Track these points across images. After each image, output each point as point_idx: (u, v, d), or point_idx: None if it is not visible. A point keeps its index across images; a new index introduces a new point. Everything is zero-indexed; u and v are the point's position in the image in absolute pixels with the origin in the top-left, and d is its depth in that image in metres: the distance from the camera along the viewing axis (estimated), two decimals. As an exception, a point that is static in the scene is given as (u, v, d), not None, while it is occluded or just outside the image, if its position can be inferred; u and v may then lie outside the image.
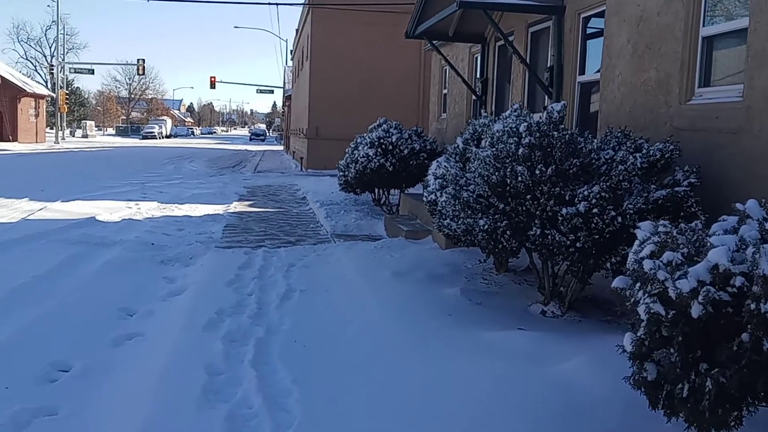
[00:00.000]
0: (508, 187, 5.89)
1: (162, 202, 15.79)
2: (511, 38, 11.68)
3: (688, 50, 6.64)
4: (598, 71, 8.73)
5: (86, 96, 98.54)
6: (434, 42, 13.20)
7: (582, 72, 9.33)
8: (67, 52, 74.46)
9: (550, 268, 6.43)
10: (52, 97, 59.54)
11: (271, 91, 74.61)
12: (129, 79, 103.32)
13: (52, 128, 61.03)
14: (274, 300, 7.15)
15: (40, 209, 13.75)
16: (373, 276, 8.06)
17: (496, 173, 5.96)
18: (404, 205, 12.71)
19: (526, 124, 6.00)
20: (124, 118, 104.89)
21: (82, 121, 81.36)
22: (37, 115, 56.51)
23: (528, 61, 10.36)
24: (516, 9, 10.00)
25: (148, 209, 14.53)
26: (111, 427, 4.17)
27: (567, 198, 5.67)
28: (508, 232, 5.92)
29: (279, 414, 4.29)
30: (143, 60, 61.04)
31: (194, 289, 7.62)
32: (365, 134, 14.19)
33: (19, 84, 52.91)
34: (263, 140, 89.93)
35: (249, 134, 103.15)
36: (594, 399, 3.99)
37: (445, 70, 16.63)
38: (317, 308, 6.81)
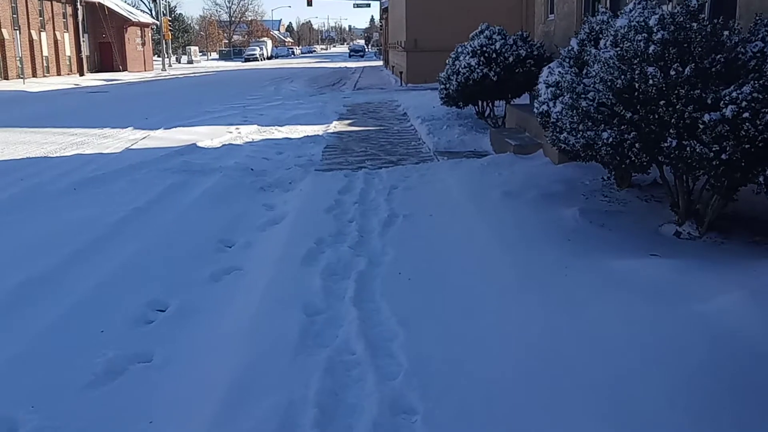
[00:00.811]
0: (636, 93, 5.07)
1: (262, 125, 15.60)
2: None
3: None
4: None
5: (189, 22, 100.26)
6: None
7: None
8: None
9: (685, 184, 5.61)
10: (156, 25, 60.70)
11: (368, 5, 73.15)
12: (229, 1, 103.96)
13: (158, 56, 62.38)
14: (376, 227, 6.70)
15: (144, 138, 13.82)
16: (481, 197, 7.46)
17: (622, 77, 5.14)
18: (511, 118, 11.88)
19: (657, 16, 5.11)
20: (226, 41, 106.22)
21: (187, 47, 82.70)
22: (143, 44, 57.92)
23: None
24: None
25: (248, 133, 14.36)
26: (205, 376, 3.88)
27: (709, 102, 4.80)
28: (637, 145, 5.14)
29: (384, 361, 3.86)
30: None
31: (293, 217, 7.29)
32: (466, 43, 13.28)
33: (125, 14, 54.17)
34: (362, 56, 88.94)
35: (348, 51, 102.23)
36: (762, 350, 3.30)
37: (552, -35, 15.25)
38: (422, 235, 6.31)
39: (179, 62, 76.17)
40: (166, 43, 61.00)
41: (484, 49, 12.55)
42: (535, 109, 7.20)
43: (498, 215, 6.66)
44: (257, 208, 8.01)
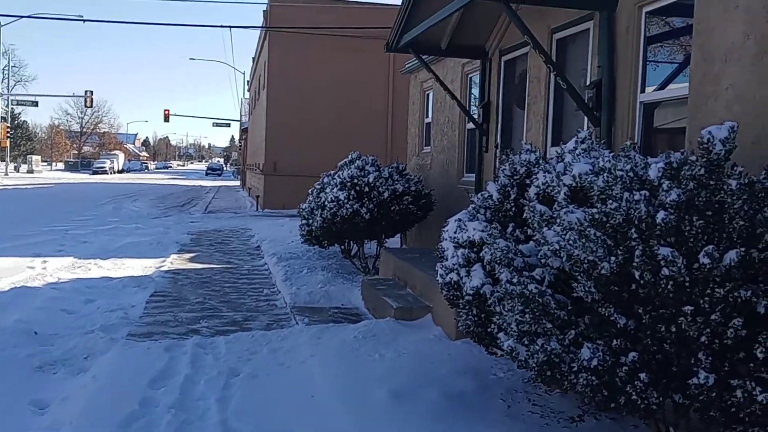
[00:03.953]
0: (636, 287, 3.05)
1: (79, 257, 12.61)
2: (525, 50, 9.01)
3: None
4: (680, 83, 6.08)
5: (34, 130, 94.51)
6: (422, 57, 10.43)
7: (644, 88, 6.64)
8: (15, 85, 71.01)
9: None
10: (-8, 131, 55.61)
11: (228, 125, 71.45)
12: (81, 112, 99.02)
13: (-1, 162, 56.92)
14: (196, 467, 4.16)
15: None
16: (360, 399, 5.15)
17: (608, 258, 3.13)
18: (386, 265, 9.82)
19: (660, 165, 3.20)
20: (76, 152, 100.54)
21: (28, 156, 77.03)
22: (-24, 150, 52.58)
23: (557, 76, 7.62)
24: (552, 2, 7.31)
25: (57, 269, 11.36)
26: None
27: (764, 311, 2.84)
28: (642, 376, 3.06)
29: None
30: (91, 92, 57.34)
31: (67, 436, 4.61)
32: (334, 172, 11.33)
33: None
34: (219, 175, 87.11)
35: (205, 169, 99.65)
36: None
37: (428, 95, 13.94)
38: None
39: (17, 171, 70.33)
40: (3, 150, 55.80)
41: (356, 181, 10.62)
42: (439, 278, 5.09)
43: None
44: (20, 409, 5.24)
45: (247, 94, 51.76)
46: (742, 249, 2.86)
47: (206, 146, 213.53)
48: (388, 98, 26.42)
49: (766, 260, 2.92)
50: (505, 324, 3.58)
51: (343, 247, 11.62)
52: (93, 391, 5.43)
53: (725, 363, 2.91)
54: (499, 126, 9.88)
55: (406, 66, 14.51)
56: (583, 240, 3.17)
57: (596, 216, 3.28)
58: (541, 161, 5.03)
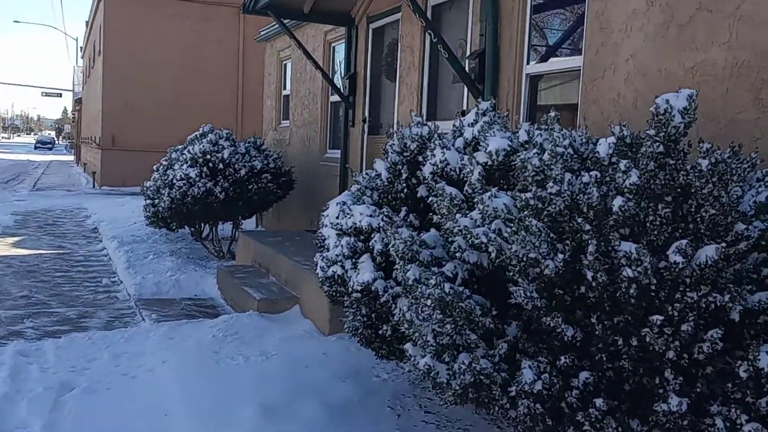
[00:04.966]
0: (584, 289, 2.47)
1: None
2: (396, 17, 8.38)
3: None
4: (573, 54, 5.67)
5: None
6: (283, 20, 9.49)
7: (530, 59, 6.19)
8: None
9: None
10: None
11: (60, 95, 65.79)
12: None
13: None
14: None
15: None
16: (224, 420, 4.31)
17: (553, 255, 2.52)
18: (245, 250, 8.91)
19: (611, 140, 2.62)
20: None
21: None
22: None
23: (438, 44, 7.03)
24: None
25: None
26: None
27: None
28: (599, 401, 2.47)
29: None
30: None
31: None
32: (183, 146, 10.21)
33: None
34: (51, 149, 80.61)
35: (34, 142, 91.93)
36: None
37: (285, 65, 13.02)
38: None
39: None
40: None
41: (209, 157, 9.57)
42: (319, 270, 4.33)
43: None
44: None
45: (81, 62, 47.76)
46: (722, 244, 2.35)
47: (35, 118, 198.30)
48: (239, 68, 25.03)
49: (737, 255, 2.43)
50: (417, 335, 2.90)
51: (194, 229, 10.55)
52: None
53: (697, 383, 2.41)
54: (368, 99, 9.21)
55: (262, 33, 13.47)
56: (523, 232, 2.55)
57: (531, 202, 2.67)
58: (435, 135, 4.38)
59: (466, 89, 6.70)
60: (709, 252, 2.32)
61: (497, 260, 2.72)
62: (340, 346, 5.65)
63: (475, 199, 3.02)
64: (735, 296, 2.31)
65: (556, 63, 6.00)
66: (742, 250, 2.37)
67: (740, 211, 2.57)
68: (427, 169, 4.10)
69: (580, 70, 5.39)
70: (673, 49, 4.51)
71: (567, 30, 6.04)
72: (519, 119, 6.11)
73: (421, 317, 2.80)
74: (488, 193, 2.86)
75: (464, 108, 6.96)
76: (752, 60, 4.00)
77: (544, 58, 6.27)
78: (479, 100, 6.36)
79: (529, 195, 2.68)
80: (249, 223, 12.32)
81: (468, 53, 6.79)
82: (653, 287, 2.36)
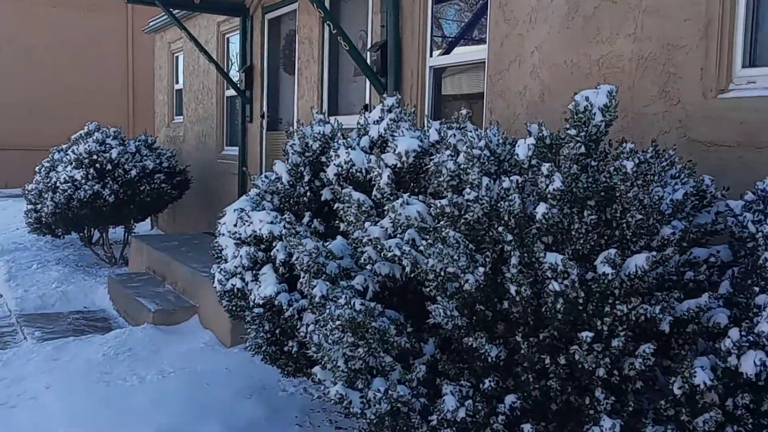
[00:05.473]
0: (506, 303, 2.27)
1: None
2: (293, 7, 8.03)
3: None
4: (477, 45, 5.52)
5: None
6: (171, 11, 8.93)
7: (433, 52, 6.01)
8: None
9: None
10: None
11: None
12: None
13: None
14: None
15: None
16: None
17: (473, 269, 2.30)
18: (139, 256, 8.36)
19: (530, 141, 2.43)
20: None
21: None
22: None
23: (338, 35, 6.74)
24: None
25: None
26: None
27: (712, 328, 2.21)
28: (528, 427, 2.28)
29: None
30: None
31: None
32: (67, 146, 9.52)
33: None
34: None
35: None
36: None
37: (177, 58, 12.39)
38: None
39: None
40: None
41: (95, 157, 8.92)
42: (217, 284, 3.98)
43: None
44: None
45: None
46: (653, 253, 2.19)
47: None
48: (128, 62, 23.88)
49: (663, 262, 2.29)
50: (326, 360, 2.63)
51: (82, 234, 9.86)
52: None
53: (628, 402, 2.25)
54: (266, 93, 8.81)
55: (150, 24, 12.76)
56: (439, 245, 2.32)
57: (447, 210, 2.44)
58: (339, 134, 4.11)
59: (368, 83, 6.46)
60: (638, 261, 2.16)
61: (412, 274, 2.49)
62: (244, 359, 5.28)
63: (386, 206, 2.77)
64: (665, 307, 2.17)
65: (461, 55, 5.84)
66: (669, 255, 2.23)
67: (661, 212, 2.45)
68: (331, 171, 3.82)
69: (485, 62, 5.25)
70: (579, 41, 4.41)
71: (471, 21, 5.89)
72: (425, 112, 5.93)
73: (330, 340, 2.54)
74: (400, 200, 2.62)
75: (367, 102, 6.73)
76: (658, 52, 3.94)
77: (448, 50, 6.10)
78: (384, 95, 6.13)
79: (444, 202, 2.45)
80: (143, 226, 11.66)
81: (369, 45, 6.55)
82: (581, 300, 2.19)
